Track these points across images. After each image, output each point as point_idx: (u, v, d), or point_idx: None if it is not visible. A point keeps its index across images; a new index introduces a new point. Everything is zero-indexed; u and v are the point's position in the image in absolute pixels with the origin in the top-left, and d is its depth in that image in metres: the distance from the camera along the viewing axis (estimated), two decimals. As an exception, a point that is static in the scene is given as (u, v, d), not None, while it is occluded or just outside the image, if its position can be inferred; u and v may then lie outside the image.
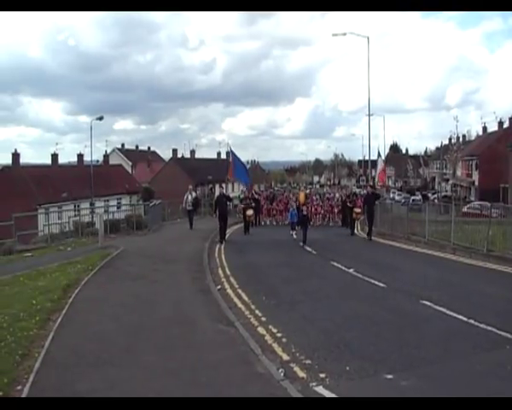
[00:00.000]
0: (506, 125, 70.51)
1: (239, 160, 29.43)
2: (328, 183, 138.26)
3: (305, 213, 23.46)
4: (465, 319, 9.94)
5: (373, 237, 24.33)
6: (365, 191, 30.44)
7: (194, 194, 30.31)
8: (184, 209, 30.80)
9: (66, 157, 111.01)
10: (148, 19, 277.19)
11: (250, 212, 28.09)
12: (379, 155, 34.55)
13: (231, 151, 30.04)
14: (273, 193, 40.78)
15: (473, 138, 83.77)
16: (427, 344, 8.62)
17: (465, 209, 30.53)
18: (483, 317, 9.87)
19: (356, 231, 27.79)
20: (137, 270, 15.75)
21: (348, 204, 29.63)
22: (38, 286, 13.29)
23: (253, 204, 29.67)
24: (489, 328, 9.28)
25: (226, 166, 29.87)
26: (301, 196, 31.01)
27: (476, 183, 69.92)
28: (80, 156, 63.44)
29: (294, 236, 24.57)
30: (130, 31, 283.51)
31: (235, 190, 60.16)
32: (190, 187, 30.96)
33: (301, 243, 21.85)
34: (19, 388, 6.94)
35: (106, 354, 8.29)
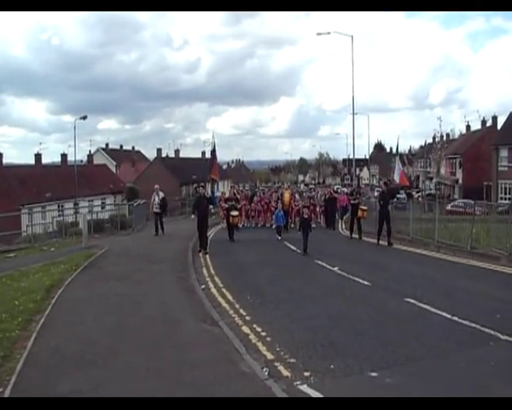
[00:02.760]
0: (489, 123, 71.00)
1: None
2: (313, 182, 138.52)
3: (306, 215, 20.52)
4: (449, 316, 9.98)
5: (356, 235, 24.23)
6: (380, 188, 28.78)
7: (161, 194, 26.93)
8: (151, 212, 27.67)
9: (50, 157, 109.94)
10: (132, 18, 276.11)
11: (235, 213, 24.06)
12: (396, 153, 29.21)
13: (214, 150, 24.46)
14: (253, 192, 36.87)
15: (456, 137, 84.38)
16: (411, 342, 8.64)
17: (449, 207, 30.71)
18: (467, 314, 9.92)
19: (341, 229, 27.70)
20: (121, 270, 15.66)
21: (352, 201, 25.84)
22: (21, 287, 13.16)
23: (239, 205, 26.71)
24: (473, 325, 9.33)
25: (209, 164, 24.74)
26: (286, 196, 29.11)
27: (460, 181, 70.45)
28: (64, 156, 63.36)
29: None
30: (114, 30, 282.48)
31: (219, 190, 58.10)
32: (157, 187, 27.44)
33: (301, 252, 19.05)
34: (0, 390, 6.85)
35: (89, 354, 8.21)
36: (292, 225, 28.18)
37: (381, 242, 21.64)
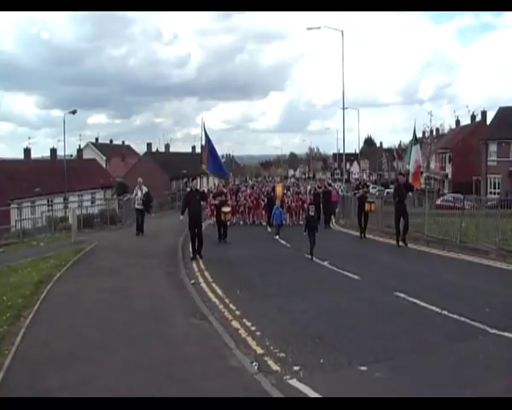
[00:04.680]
0: (478, 118, 71.29)
1: (214, 149, 21.78)
2: (303, 176, 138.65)
3: (312, 213, 17.71)
4: (438, 310, 10.00)
5: (346, 230, 24.10)
6: (396, 180, 25.07)
7: (144, 189, 24.13)
8: (133, 208, 25.06)
9: (40, 152, 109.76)
10: (121, 13, 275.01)
11: (227, 209, 21.38)
12: (416, 141, 23.45)
13: (206, 136, 21.18)
14: (237, 186, 33.74)
15: (446, 132, 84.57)
16: (400, 335, 8.66)
17: (439, 202, 30.69)
18: (456, 308, 9.94)
19: (331, 224, 27.38)
20: (111, 265, 15.64)
21: (357, 194, 23.54)
22: (10, 282, 13.14)
23: (229, 201, 24.52)
24: (462, 319, 9.35)
25: (206, 152, 21.12)
26: (278, 190, 26.68)
27: (449, 175, 70.68)
28: (53, 151, 63.22)
29: (282, 242, 21.13)
30: (103, 24, 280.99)
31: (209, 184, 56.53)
32: (140, 180, 24.71)
33: (309, 256, 16.57)
34: (-12, 386, 6.82)
35: (78, 350, 8.21)
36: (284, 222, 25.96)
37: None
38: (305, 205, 27.58)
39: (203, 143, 21.06)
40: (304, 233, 16.98)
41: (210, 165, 21.23)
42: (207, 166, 21.36)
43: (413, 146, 22.20)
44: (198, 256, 16.98)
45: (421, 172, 23.31)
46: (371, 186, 78.94)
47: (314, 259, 16.16)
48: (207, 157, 21.06)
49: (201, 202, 18.90)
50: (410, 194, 20.58)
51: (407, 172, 23.15)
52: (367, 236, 21.93)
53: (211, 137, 20.91)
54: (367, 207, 22.28)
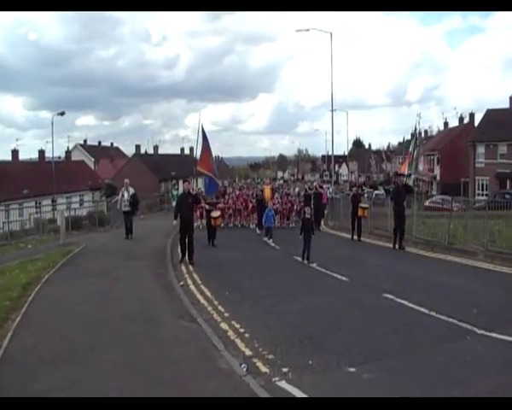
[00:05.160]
0: (466, 120, 71.68)
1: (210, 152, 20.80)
2: (292, 178, 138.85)
3: (308, 216, 16.98)
4: (426, 311, 10.06)
5: (334, 231, 24.05)
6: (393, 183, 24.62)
7: (131, 190, 22.97)
8: (119, 211, 24.04)
9: (27, 153, 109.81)
10: (110, 14, 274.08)
11: (217, 213, 20.65)
12: (416, 141, 24.07)
13: (203, 133, 20.11)
14: (225, 188, 32.47)
15: (434, 134, 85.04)
16: (389, 337, 8.70)
17: (427, 203, 30.94)
18: (444, 309, 10.01)
19: (320, 227, 27.12)
20: (99, 267, 15.57)
21: (354, 192, 23.10)
22: (-3, 284, 13.04)
23: (220, 204, 24.49)
24: (450, 320, 9.42)
25: (201, 151, 20.09)
26: (267, 192, 26.32)
27: (438, 177, 71.04)
28: (42, 152, 62.93)
29: (272, 244, 20.86)
30: (92, 25, 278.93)
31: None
32: (126, 181, 23.57)
33: (305, 260, 16.22)
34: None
35: (67, 352, 8.16)
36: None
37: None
38: (295, 207, 28.12)
39: (200, 139, 20.19)
40: (300, 236, 16.46)
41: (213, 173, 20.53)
42: (211, 169, 20.47)
43: (415, 148, 22.67)
44: (189, 263, 16.28)
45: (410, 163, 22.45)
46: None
47: (304, 261, 16.13)
48: (208, 158, 20.25)
49: (194, 206, 18.05)
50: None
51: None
52: (355, 237, 21.87)
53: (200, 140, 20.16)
54: (360, 212, 21.67)
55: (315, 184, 28.66)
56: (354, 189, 23.07)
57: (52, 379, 7.01)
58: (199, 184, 26.93)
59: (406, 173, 22.07)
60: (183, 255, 16.77)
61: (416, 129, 25.93)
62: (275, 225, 23.35)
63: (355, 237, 21.88)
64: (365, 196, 28.57)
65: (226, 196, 28.68)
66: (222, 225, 24.84)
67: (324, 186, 34.31)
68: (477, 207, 20.89)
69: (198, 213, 25.70)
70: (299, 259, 16.18)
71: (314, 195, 26.80)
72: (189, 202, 16.89)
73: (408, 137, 79.41)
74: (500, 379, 6.77)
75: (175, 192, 34.54)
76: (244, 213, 28.40)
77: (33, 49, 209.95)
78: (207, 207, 20.59)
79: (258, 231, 24.15)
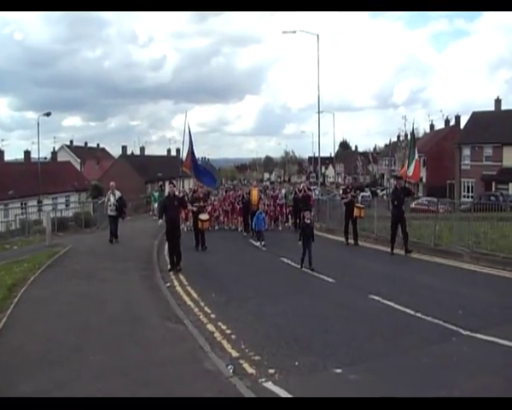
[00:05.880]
0: (452, 123, 72.10)
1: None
2: (279, 180, 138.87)
3: (308, 221, 15.86)
4: (412, 312, 10.11)
5: (321, 233, 23.92)
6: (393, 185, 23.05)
7: (118, 193, 22.00)
8: (105, 215, 23.40)
9: (13, 154, 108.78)
10: (96, 14, 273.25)
11: (205, 216, 19.98)
12: (412, 141, 22.34)
13: (189, 133, 20.00)
14: (208, 190, 27.63)
15: (420, 136, 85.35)
16: (375, 338, 8.73)
17: (413, 205, 30.98)
18: (430, 310, 10.06)
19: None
20: (86, 268, 15.49)
21: (345, 200, 21.73)
22: (-18, 286, 12.95)
23: (208, 207, 23.52)
24: (435, 321, 9.47)
25: (187, 151, 19.86)
26: (254, 194, 24.76)
27: (424, 179, 71.26)
28: (27, 153, 62.65)
29: (262, 247, 20.22)
30: (78, 26, 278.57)
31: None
32: (112, 184, 22.61)
33: (304, 268, 15.21)
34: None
35: (52, 354, 8.13)
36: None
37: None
38: (284, 210, 27.36)
39: (186, 138, 19.97)
40: (299, 242, 15.46)
41: (196, 170, 20.29)
42: (191, 171, 20.32)
43: (412, 148, 20.93)
44: (177, 268, 15.40)
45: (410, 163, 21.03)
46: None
47: (303, 268, 15.21)
48: (190, 160, 19.94)
49: (180, 209, 17.07)
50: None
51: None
52: (350, 241, 21.09)
53: (187, 141, 20.14)
54: (356, 212, 20.83)
55: (302, 185, 27.28)
56: (349, 195, 21.45)
57: (38, 381, 7.00)
58: (190, 184, 26.24)
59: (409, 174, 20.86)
60: (173, 265, 15.65)
61: (412, 130, 25.33)
62: (265, 228, 22.23)
63: (350, 241, 21.00)
64: (359, 199, 27.01)
65: (212, 198, 27.45)
66: (210, 228, 23.71)
67: (312, 188, 33.36)
68: (463, 209, 21.00)
69: (184, 215, 24.36)
70: (293, 264, 16.08)
71: (302, 197, 25.81)
72: (175, 204, 15.95)
73: (394, 139, 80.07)
74: (485, 380, 6.82)
75: (156, 194, 34.52)
76: (232, 217, 27.49)
77: (19, 49, 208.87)
78: (195, 209, 19.32)
79: (244, 233, 23.89)
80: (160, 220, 16.25)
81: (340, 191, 27.14)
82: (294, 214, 26.50)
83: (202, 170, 21.20)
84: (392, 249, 18.06)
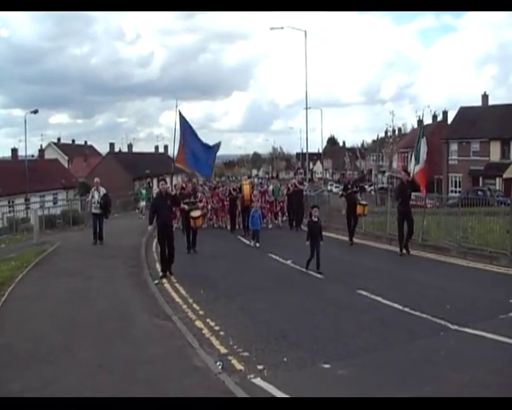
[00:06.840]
0: (440, 118, 72.30)
1: (196, 136, 18.61)
2: (267, 176, 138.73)
3: (315, 219, 14.58)
4: (400, 307, 10.15)
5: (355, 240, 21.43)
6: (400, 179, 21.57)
7: (102, 190, 20.62)
8: (89, 213, 22.45)
9: (0, 152, 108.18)
10: (83, 12, 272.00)
11: (197, 213, 18.42)
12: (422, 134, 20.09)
13: (182, 119, 18.07)
14: (193, 186, 24.83)
15: (408, 131, 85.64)
16: (363, 333, 8.75)
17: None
18: (418, 305, 10.11)
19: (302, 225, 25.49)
20: (74, 266, 15.46)
21: (348, 191, 19.66)
22: (-30, 284, 12.88)
23: (200, 203, 21.70)
24: (424, 315, 9.52)
25: (179, 146, 18.02)
26: (246, 190, 23.72)
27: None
28: (14, 151, 62.35)
29: (257, 244, 19.34)
30: (65, 23, 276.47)
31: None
32: (97, 180, 21.19)
33: (309, 271, 14.06)
34: None
35: (40, 352, 8.11)
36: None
37: (391, 247, 18.55)
38: (275, 207, 26.26)
39: (177, 135, 17.91)
40: (306, 242, 14.32)
41: (190, 161, 18.23)
42: (186, 164, 18.58)
43: (421, 139, 19.43)
44: (168, 273, 14.28)
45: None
46: (334, 185, 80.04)
47: (309, 271, 14.14)
48: (183, 151, 17.99)
49: (173, 208, 15.83)
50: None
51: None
52: (329, 235, 20.61)
53: (173, 137, 18.14)
54: (359, 210, 19.14)
55: (293, 181, 25.90)
56: (350, 190, 19.64)
57: (26, 379, 6.97)
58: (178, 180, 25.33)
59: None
60: (165, 271, 14.32)
61: (421, 121, 23.92)
62: (261, 226, 20.81)
63: (354, 240, 19.62)
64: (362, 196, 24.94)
65: (198, 194, 24.13)
66: (203, 226, 22.32)
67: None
68: (450, 203, 21.07)
69: (178, 213, 22.68)
70: (281, 260, 16.09)
71: (294, 193, 24.94)
72: (167, 203, 14.44)
73: (382, 135, 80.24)
74: (473, 374, 6.85)
75: (144, 191, 34.28)
76: (221, 214, 26.52)
77: (5, 46, 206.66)
78: (187, 207, 17.58)
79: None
80: (150, 227, 15.11)
81: (333, 187, 26.23)
82: (288, 212, 25.63)
83: (196, 155, 18.39)
84: (400, 249, 16.90)
